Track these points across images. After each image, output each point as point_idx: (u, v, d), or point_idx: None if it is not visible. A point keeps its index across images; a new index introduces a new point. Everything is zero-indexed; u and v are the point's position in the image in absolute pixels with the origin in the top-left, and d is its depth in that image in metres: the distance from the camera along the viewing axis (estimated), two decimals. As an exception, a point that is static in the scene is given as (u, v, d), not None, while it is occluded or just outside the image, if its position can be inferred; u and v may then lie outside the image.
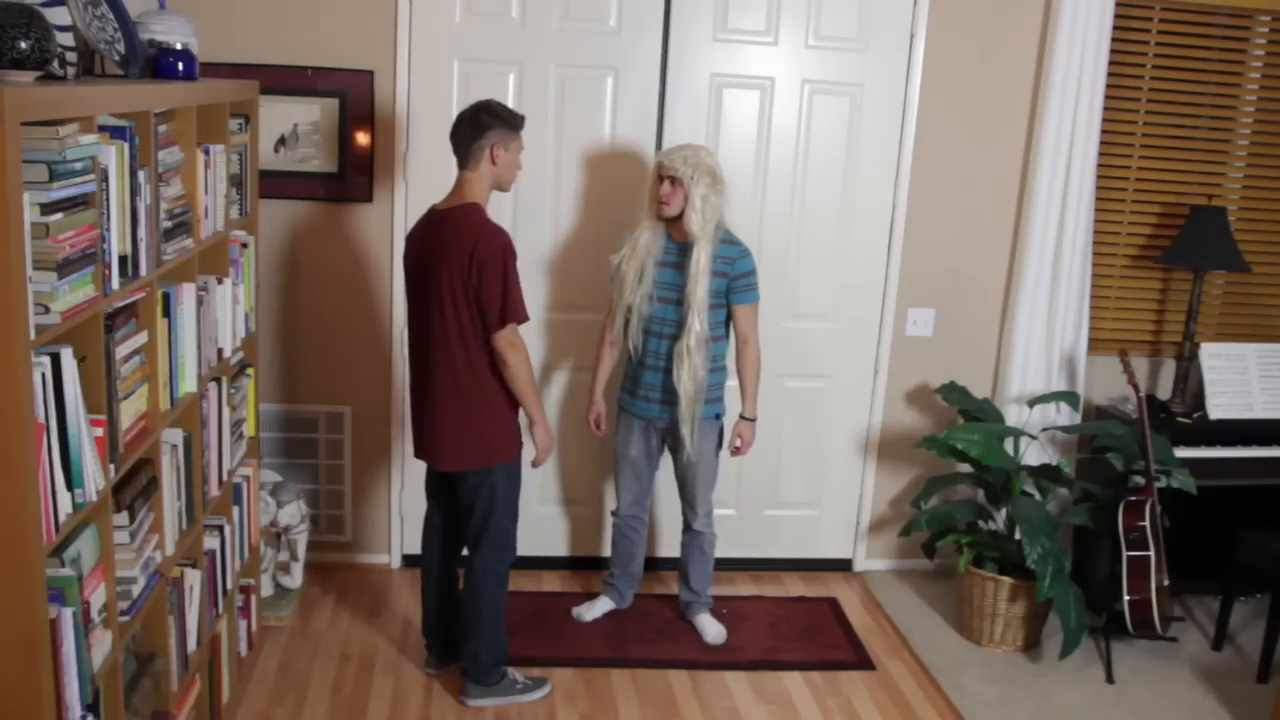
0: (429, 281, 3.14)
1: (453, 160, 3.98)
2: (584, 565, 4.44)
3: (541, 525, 4.38)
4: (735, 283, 3.62)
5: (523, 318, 3.14)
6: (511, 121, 3.19)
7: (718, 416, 3.78)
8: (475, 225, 3.10)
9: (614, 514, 4.00)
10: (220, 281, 3.03)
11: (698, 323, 3.55)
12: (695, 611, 4.00)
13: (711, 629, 3.94)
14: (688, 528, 3.92)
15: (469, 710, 3.43)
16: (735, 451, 3.81)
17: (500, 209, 4.08)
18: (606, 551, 4.39)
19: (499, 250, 3.08)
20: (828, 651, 3.92)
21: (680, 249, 3.63)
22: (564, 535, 4.42)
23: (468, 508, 3.33)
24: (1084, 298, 4.35)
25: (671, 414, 3.70)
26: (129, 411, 2.32)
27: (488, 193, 3.22)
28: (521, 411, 3.29)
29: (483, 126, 3.15)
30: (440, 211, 3.20)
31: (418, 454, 3.37)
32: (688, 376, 3.58)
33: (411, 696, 3.49)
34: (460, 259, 3.06)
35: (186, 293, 2.71)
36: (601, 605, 4.06)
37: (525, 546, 4.38)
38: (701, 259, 3.53)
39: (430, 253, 3.14)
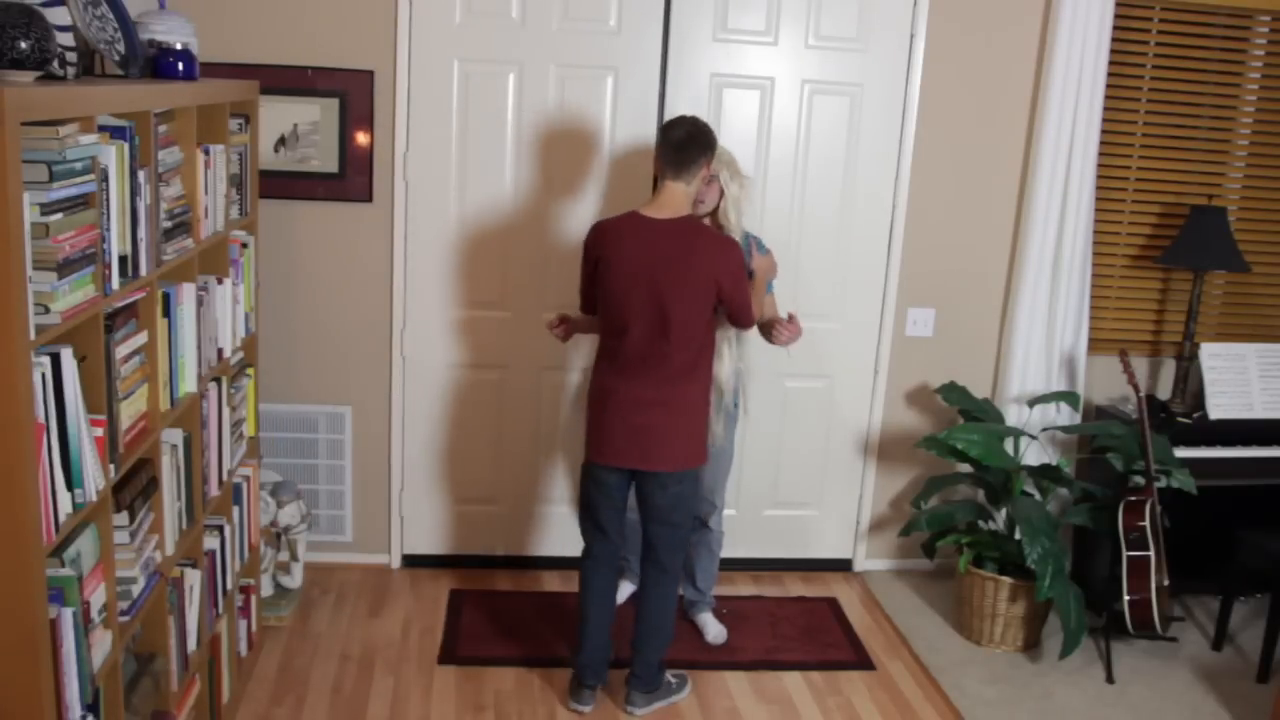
0: (662, 289, 3.14)
1: (452, 160, 4.02)
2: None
3: (542, 525, 4.39)
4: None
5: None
6: (716, 145, 3.28)
7: (735, 405, 3.80)
8: (715, 237, 3.21)
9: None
10: (220, 281, 3.03)
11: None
12: (698, 611, 4.00)
13: (713, 628, 3.94)
14: (700, 524, 3.92)
15: (469, 710, 3.43)
16: (779, 331, 3.49)
17: (499, 209, 4.09)
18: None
19: (741, 257, 3.23)
20: (828, 651, 3.92)
21: None
22: (565, 535, 4.41)
23: (667, 509, 3.31)
24: (1084, 298, 4.35)
25: None
26: (129, 411, 2.32)
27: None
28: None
29: (710, 145, 3.21)
30: (661, 223, 3.17)
31: (612, 460, 3.27)
32: (729, 362, 3.57)
33: (411, 696, 3.50)
34: (709, 269, 3.14)
35: (186, 293, 2.71)
36: (624, 590, 4.07)
37: (526, 546, 4.40)
38: None
39: (664, 263, 3.13)
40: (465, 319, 4.17)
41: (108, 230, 2.15)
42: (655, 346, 3.19)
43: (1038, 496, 4.13)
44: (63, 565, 2.03)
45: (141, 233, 2.35)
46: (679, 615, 4.05)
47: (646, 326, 3.18)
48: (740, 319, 3.28)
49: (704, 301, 3.18)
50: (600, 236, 3.25)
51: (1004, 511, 4.17)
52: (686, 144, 3.18)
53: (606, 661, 3.50)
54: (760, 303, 3.48)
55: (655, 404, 3.23)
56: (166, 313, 2.58)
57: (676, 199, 3.21)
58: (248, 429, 3.45)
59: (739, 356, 3.70)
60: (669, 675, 3.57)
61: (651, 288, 3.16)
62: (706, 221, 3.54)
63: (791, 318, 3.48)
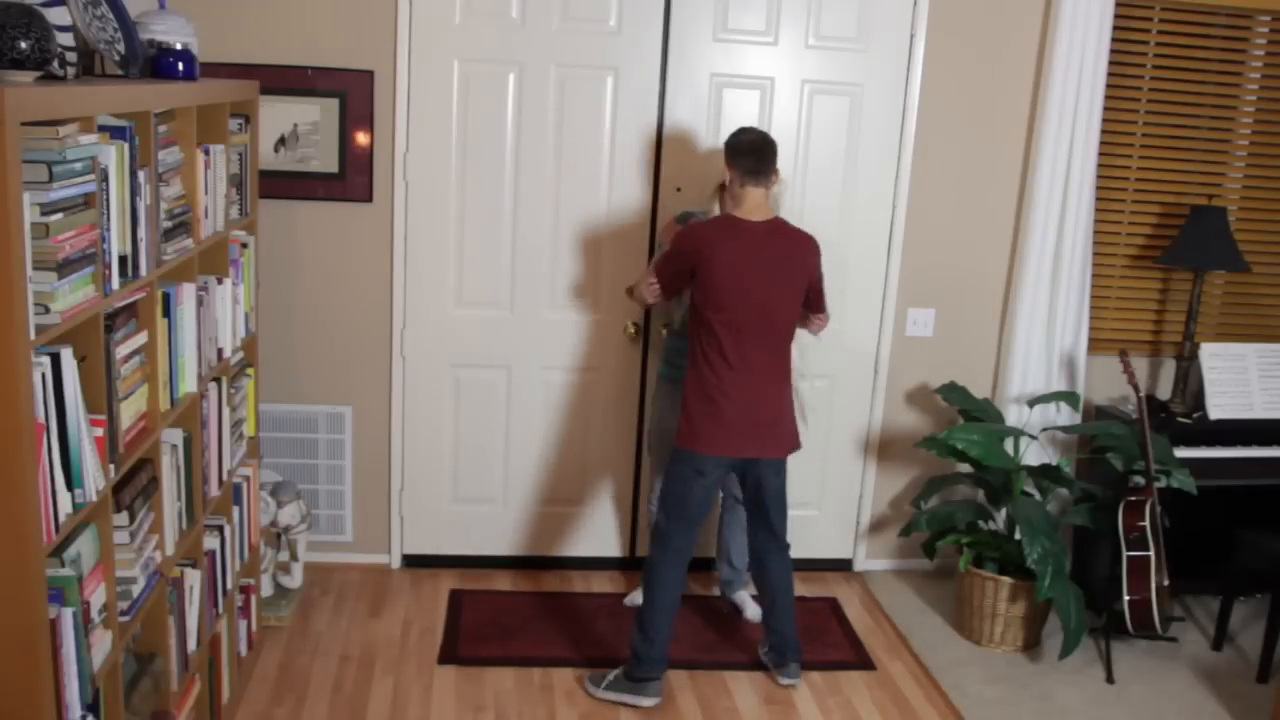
0: (770, 288, 3.34)
1: (452, 160, 4.02)
2: (584, 565, 4.43)
3: (542, 525, 4.39)
4: None
5: None
6: None
7: None
8: (806, 236, 3.45)
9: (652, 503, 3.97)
10: (220, 281, 3.03)
11: None
12: (734, 589, 4.07)
13: (751, 606, 4.00)
14: (731, 506, 3.94)
15: (469, 710, 3.44)
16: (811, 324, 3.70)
17: (499, 209, 4.09)
18: (606, 551, 4.40)
19: (820, 252, 3.52)
20: (828, 651, 3.92)
21: None
22: (565, 535, 4.42)
23: (781, 489, 3.56)
24: (1084, 298, 4.35)
25: None
26: (129, 411, 2.32)
27: None
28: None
29: (776, 151, 3.41)
30: (761, 225, 3.37)
31: (734, 452, 3.42)
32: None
33: (411, 696, 3.50)
34: (810, 266, 3.43)
35: (186, 293, 2.71)
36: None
37: (526, 546, 4.40)
38: None
39: (772, 265, 3.34)
40: (466, 319, 4.17)
41: (108, 230, 2.15)
42: (766, 340, 3.39)
43: (1038, 496, 4.13)
44: (63, 565, 2.03)
45: (141, 233, 2.35)
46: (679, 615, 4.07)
47: (757, 322, 3.36)
48: (821, 308, 3.57)
49: (801, 295, 3.45)
50: (701, 237, 3.36)
51: (1004, 511, 4.17)
52: (762, 150, 3.37)
53: (669, 653, 3.56)
54: None
55: (772, 396, 3.44)
56: (166, 313, 2.58)
57: (761, 202, 3.39)
58: (248, 429, 3.45)
59: None
60: None
61: (762, 286, 3.35)
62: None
63: None
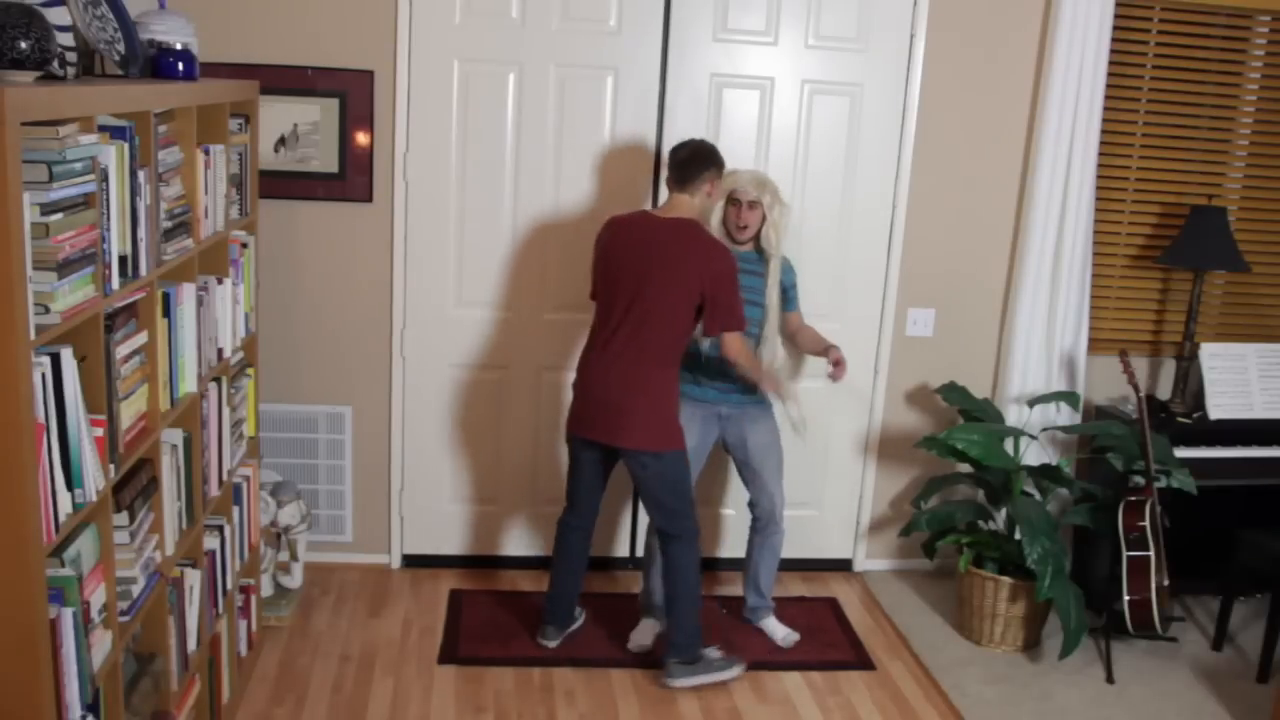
0: (646, 276, 3.40)
1: (452, 160, 4.02)
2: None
3: (542, 525, 4.39)
4: (789, 291, 3.90)
5: (745, 325, 3.53)
6: (723, 166, 3.56)
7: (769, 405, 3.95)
8: (709, 241, 3.46)
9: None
10: (220, 281, 3.03)
11: (773, 317, 3.80)
12: (761, 616, 4.01)
13: (780, 631, 3.95)
14: (760, 529, 3.92)
15: (469, 711, 3.43)
16: (836, 373, 3.80)
17: (499, 209, 4.09)
18: (606, 551, 4.40)
19: (731, 267, 3.45)
20: (828, 651, 3.92)
21: (758, 258, 3.78)
22: (564, 535, 4.41)
23: (653, 487, 3.52)
24: (1084, 298, 4.35)
25: (742, 398, 3.81)
26: (129, 411, 2.32)
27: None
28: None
29: (710, 162, 3.50)
30: (661, 219, 3.47)
31: (582, 431, 3.54)
32: (768, 351, 3.82)
33: (411, 696, 3.50)
34: (695, 266, 3.39)
35: (186, 293, 2.71)
36: (646, 630, 3.89)
37: (526, 546, 4.40)
38: (775, 270, 3.77)
39: (654, 253, 3.41)
40: (465, 319, 4.17)
41: (108, 230, 2.15)
42: (631, 329, 3.43)
43: (1038, 496, 4.13)
44: (63, 565, 2.03)
45: (141, 233, 2.35)
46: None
47: (626, 309, 3.44)
48: (723, 320, 3.44)
49: (684, 295, 3.40)
50: (608, 225, 3.57)
51: (1004, 511, 4.17)
52: (688, 161, 3.48)
53: (567, 611, 3.80)
54: (776, 318, 3.81)
55: (625, 383, 3.46)
56: (166, 313, 2.58)
57: (680, 206, 3.50)
58: (248, 429, 3.45)
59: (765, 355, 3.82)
60: (712, 651, 3.68)
61: (639, 273, 3.42)
62: (748, 246, 3.75)
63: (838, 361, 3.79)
